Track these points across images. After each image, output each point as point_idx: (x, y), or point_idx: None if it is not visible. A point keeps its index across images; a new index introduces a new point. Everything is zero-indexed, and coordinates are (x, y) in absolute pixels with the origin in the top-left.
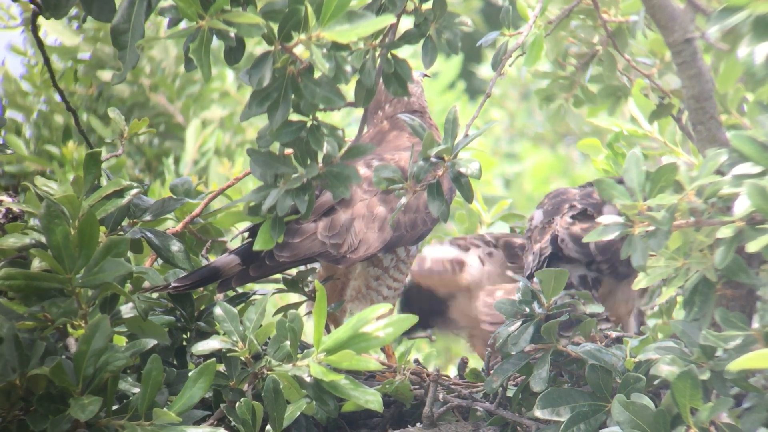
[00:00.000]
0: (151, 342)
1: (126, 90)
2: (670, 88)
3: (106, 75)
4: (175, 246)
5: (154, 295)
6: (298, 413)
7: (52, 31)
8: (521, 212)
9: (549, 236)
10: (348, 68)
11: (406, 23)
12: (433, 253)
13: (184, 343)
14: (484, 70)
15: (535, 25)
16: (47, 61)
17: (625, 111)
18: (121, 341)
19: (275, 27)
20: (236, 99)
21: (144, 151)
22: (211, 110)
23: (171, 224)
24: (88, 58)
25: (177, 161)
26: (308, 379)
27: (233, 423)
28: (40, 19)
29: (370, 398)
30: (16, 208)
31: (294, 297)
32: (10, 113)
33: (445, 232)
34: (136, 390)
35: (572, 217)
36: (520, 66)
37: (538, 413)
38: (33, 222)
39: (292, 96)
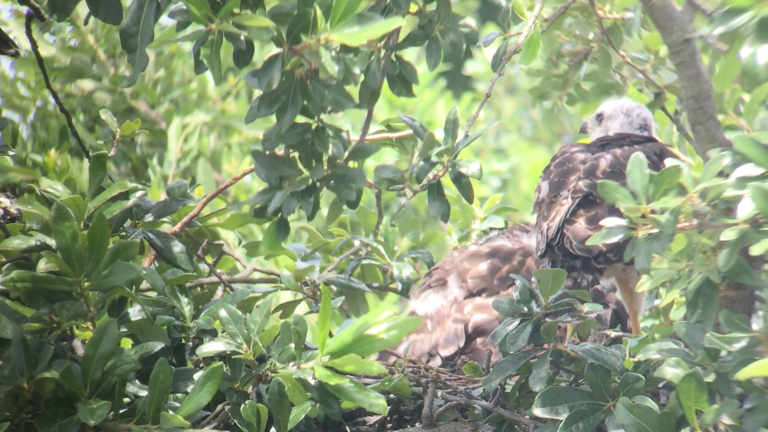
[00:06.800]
0: (158, 345)
1: (107, 98)
2: (664, 83)
3: (86, 84)
4: (177, 247)
5: (153, 294)
6: (303, 416)
7: (24, 41)
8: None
9: (556, 221)
10: (356, 70)
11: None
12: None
13: (183, 341)
14: (471, 67)
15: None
16: (41, 63)
17: None
18: (126, 343)
19: (284, 30)
20: (219, 106)
21: (130, 157)
22: (194, 115)
23: (167, 227)
24: (64, 67)
25: (161, 161)
26: (313, 382)
27: (237, 424)
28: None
29: (375, 402)
30: (13, 209)
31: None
32: (6, 113)
33: (439, 227)
34: (143, 393)
35: (576, 207)
36: (514, 62)
37: (537, 412)
38: (32, 223)
39: (302, 99)
